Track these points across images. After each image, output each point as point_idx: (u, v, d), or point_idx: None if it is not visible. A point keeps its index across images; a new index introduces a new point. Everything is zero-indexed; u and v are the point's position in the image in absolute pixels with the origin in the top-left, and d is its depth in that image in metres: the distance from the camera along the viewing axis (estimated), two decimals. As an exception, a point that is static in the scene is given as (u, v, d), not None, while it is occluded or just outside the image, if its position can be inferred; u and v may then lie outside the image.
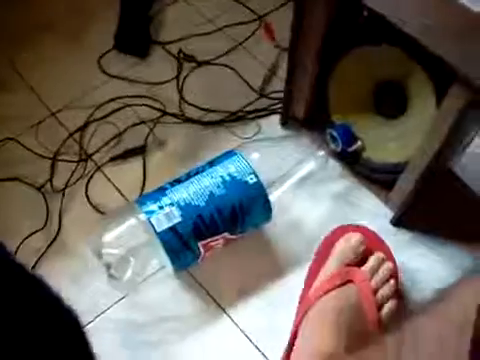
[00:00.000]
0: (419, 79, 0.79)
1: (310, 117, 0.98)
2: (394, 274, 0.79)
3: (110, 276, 0.77)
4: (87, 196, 0.94)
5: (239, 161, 0.81)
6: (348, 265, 0.77)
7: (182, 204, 0.76)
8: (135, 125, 1.02)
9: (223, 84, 1.08)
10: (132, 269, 0.78)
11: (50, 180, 0.96)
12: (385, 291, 0.76)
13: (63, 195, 0.94)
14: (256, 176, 0.80)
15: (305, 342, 0.72)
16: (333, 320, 0.71)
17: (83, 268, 0.86)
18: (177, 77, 1.09)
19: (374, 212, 0.92)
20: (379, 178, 0.92)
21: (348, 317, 0.72)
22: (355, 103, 0.90)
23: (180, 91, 1.07)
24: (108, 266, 0.77)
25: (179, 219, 0.76)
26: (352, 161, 0.94)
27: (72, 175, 0.96)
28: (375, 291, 0.75)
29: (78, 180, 0.96)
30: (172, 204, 0.77)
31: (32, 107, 1.05)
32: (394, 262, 0.81)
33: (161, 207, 0.76)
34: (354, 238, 0.79)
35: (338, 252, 0.79)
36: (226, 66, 1.10)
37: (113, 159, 0.98)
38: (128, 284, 0.79)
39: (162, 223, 0.75)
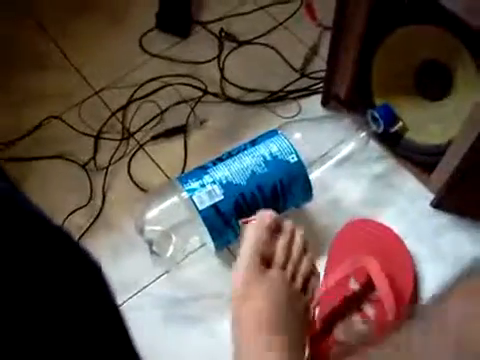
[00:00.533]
0: (464, 60, 0.77)
1: (352, 97, 0.97)
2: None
3: (152, 252, 0.79)
4: (130, 174, 0.96)
5: (281, 141, 0.81)
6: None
7: (224, 182, 0.77)
8: (176, 104, 1.03)
9: (264, 64, 1.08)
10: (173, 246, 0.79)
11: (93, 158, 0.98)
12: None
13: (106, 173, 0.96)
14: (297, 156, 0.80)
15: None
16: None
17: (126, 244, 0.88)
18: (218, 57, 1.09)
19: (414, 194, 0.92)
20: (420, 160, 0.91)
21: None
22: (398, 84, 0.89)
23: (221, 70, 1.07)
24: (150, 243, 0.78)
25: (221, 197, 0.76)
26: (393, 142, 0.93)
27: (115, 153, 0.98)
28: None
29: (121, 158, 0.98)
30: (214, 182, 0.78)
31: (75, 86, 1.07)
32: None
33: (203, 185, 0.77)
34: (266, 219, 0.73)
35: (254, 240, 0.72)
36: (267, 46, 1.10)
37: (155, 138, 0.99)
38: (170, 260, 0.81)
39: (204, 201, 0.76)
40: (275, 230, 0.71)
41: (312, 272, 0.74)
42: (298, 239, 0.74)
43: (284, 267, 0.71)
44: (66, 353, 0.34)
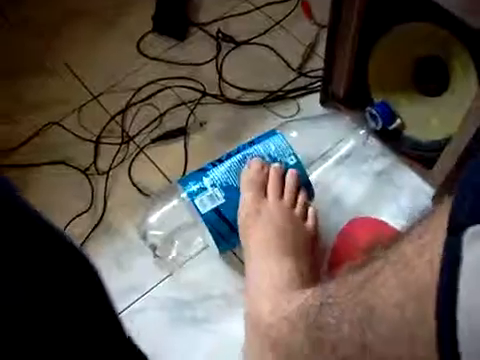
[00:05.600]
0: (461, 56, 0.77)
1: (350, 95, 0.97)
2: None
3: (156, 256, 0.79)
4: (130, 178, 0.96)
5: (279, 142, 0.81)
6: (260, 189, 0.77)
7: (225, 185, 0.77)
8: (175, 107, 1.04)
9: (262, 64, 1.08)
10: (177, 249, 0.80)
11: (94, 163, 0.98)
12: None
13: (107, 177, 0.96)
14: (296, 157, 0.80)
15: None
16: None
17: (128, 248, 0.89)
18: (216, 58, 1.09)
19: (415, 190, 0.92)
20: (420, 156, 0.91)
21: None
22: (395, 81, 0.89)
23: (219, 72, 1.07)
24: (153, 247, 0.79)
25: (223, 201, 0.77)
26: (393, 139, 0.93)
27: (115, 157, 0.99)
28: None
29: (121, 162, 0.98)
30: (214, 185, 0.78)
31: (74, 91, 1.07)
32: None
33: (204, 188, 0.78)
34: (253, 163, 0.78)
35: (245, 180, 0.77)
36: (265, 45, 1.10)
37: (155, 141, 1.00)
38: (173, 263, 0.81)
39: (206, 205, 0.76)
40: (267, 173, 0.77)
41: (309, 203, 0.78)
42: (290, 172, 0.78)
43: (281, 196, 0.76)
44: (65, 353, 0.34)
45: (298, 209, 0.76)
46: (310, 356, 0.49)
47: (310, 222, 0.76)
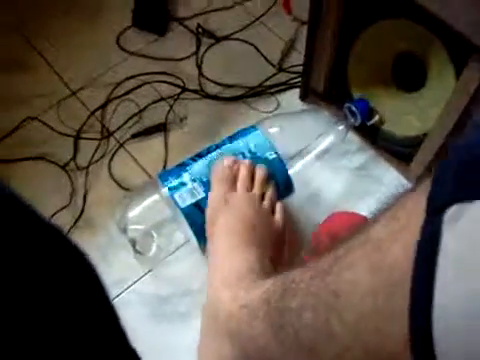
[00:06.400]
0: (438, 52, 0.78)
1: (329, 91, 0.98)
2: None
3: (136, 251, 0.79)
4: (110, 173, 0.96)
5: (259, 137, 0.82)
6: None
7: (204, 180, 0.78)
8: (155, 102, 1.03)
9: (242, 59, 1.08)
10: (157, 244, 0.80)
11: (74, 158, 0.98)
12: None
13: (87, 173, 0.96)
14: (276, 152, 0.81)
15: None
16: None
17: (109, 243, 0.88)
18: (196, 53, 1.09)
19: (394, 184, 0.92)
20: (399, 151, 0.92)
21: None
22: (374, 77, 0.90)
23: (199, 67, 1.07)
24: (133, 242, 0.79)
25: (203, 195, 0.77)
26: (371, 134, 0.94)
27: (95, 153, 0.98)
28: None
29: (101, 158, 0.98)
30: (194, 180, 0.78)
31: (52, 86, 1.06)
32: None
33: (184, 183, 0.78)
34: (225, 159, 0.79)
35: (217, 174, 0.78)
36: (245, 41, 1.10)
37: (135, 136, 0.99)
38: (153, 258, 0.81)
39: (186, 199, 0.77)
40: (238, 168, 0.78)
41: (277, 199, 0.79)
42: (259, 169, 0.79)
43: (250, 189, 0.76)
44: (62, 349, 0.34)
45: (266, 202, 0.77)
46: (271, 344, 0.48)
47: (278, 216, 0.77)
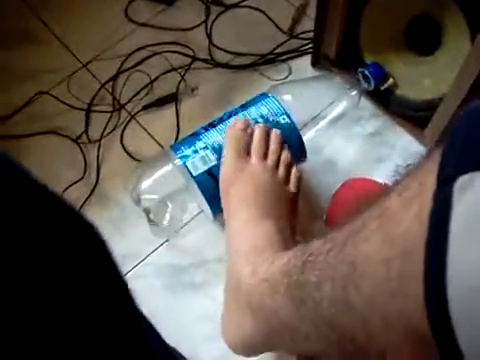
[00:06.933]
0: (453, 14, 0.77)
1: (341, 56, 0.96)
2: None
3: (150, 222, 0.79)
4: (123, 145, 0.96)
5: (271, 102, 0.81)
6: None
7: (216, 147, 0.77)
8: (166, 73, 1.02)
9: (252, 27, 1.07)
10: (170, 214, 0.80)
11: (86, 131, 0.97)
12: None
13: (99, 145, 0.96)
14: (288, 116, 0.80)
15: None
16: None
17: (124, 215, 0.89)
18: (205, 22, 1.08)
19: (408, 150, 0.92)
20: (413, 116, 0.91)
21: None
22: (387, 40, 0.89)
23: (209, 36, 1.06)
24: (147, 212, 0.79)
25: (214, 162, 0.76)
26: (385, 99, 0.93)
27: (107, 125, 0.98)
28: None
29: (113, 130, 0.97)
30: (207, 147, 0.77)
31: (62, 59, 1.06)
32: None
33: (196, 151, 0.77)
34: (238, 122, 0.77)
35: (229, 138, 0.76)
36: (254, 8, 1.09)
37: (146, 107, 0.99)
38: (168, 229, 0.81)
39: (198, 167, 0.76)
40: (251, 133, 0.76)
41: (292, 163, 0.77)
42: (274, 132, 0.77)
43: (265, 156, 0.75)
44: (72, 322, 0.34)
45: (281, 170, 0.75)
46: (292, 318, 0.49)
47: (292, 184, 0.76)
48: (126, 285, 0.42)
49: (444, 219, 0.29)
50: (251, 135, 0.76)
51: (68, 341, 0.33)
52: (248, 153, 0.75)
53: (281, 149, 0.77)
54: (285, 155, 0.77)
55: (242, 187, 0.72)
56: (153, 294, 0.83)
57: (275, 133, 0.77)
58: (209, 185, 0.77)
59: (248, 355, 0.67)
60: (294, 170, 0.77)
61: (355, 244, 0.37)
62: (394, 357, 0.38)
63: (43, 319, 0.31)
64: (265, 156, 0.75)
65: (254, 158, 0.74)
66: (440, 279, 0.28)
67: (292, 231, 0.71)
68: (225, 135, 0.77)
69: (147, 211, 0.78)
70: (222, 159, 0.75)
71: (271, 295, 0.53)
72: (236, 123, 0.76)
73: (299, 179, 0.77)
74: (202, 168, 0.76)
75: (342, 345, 0.42)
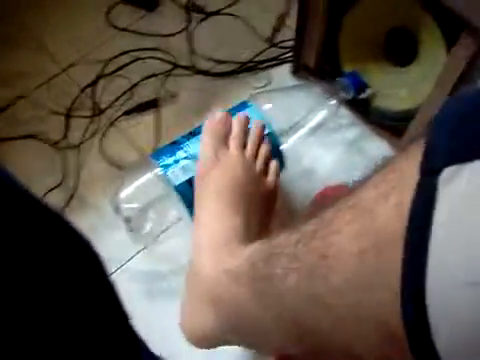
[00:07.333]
0: (429, 27, 0.78)
1: (321, 65, 0.97)
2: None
3: (130, 230, 0.79)
4: (102, 151, 0.95)
5: (252, 113, 0.82)
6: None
7: (198, 156, 0.77)
8: (146, 78, 1.02)
9: (233, 34, 1.08)
10: (151, 222, 0.80)
11: (65, 136, 0.97)
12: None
13: (79, 151, 0.95)
14: (269, 127, 0.81)
15: None
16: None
17: (103, 222, 0.89)
18: (186, 29, 1.08)
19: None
20: (391, 125, 0.92)
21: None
22: (366, 51, 0.90)
23: (190, 43, 1.06)
24: (128, 220, 0.79)
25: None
26: (364, 109, 0.94)
27: (86, 131, 0.98)
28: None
29: (93, 135, 0.97)
30: (188, 157, 0.78)
31: (42, 64, 1.05)
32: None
33: (177, 161, 0.78)
34: (217, 113, 0.76)
35: (208, 129, 0.75)
36: (235, 16, 1.09)
37: (126, 113, 0.99)
38: (148, 236, 0.82)
39: (179, 176, 0.77)
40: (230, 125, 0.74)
41: (271, 157, 0.75)
42: (255, 123, 0.76)
43: (243, 147, 0.73)
44: (61, 328, 0.34)
45: (259, 162, 0.73)
46: (254, 311, 0.47)
47: (270, 177, 0.74)
48: (112, 287, 0.42)
49: (427, 211, 0.28)
50: (230, 126, 0.74)
51: (56, 345, 0.33)
52: (226, 142, 0.73)
53: (261, 141, 0.75)
54: (264, 148, 0.75)
55: (216, 178, 0.69)
56: (132, 300, 0.82)
57: (256, 123, 0.76)
58: (190, 194, 0.77)
59: (207, 348, 0.66)
60: (273, 163, 0.75)
61: (325, 235, 0.36)
62: None
63: (29, 319, 0.32)
64: (244, 147, 0.73)
65: (232, 148, 0.72)
66: (419, 273, 0.27)
67: (265, 230, 0.69)
68: (204, 127, 0.75)
69: (128, 220, 0.78)
70: (200, 149, 0.73)
71: (233, 288, 0.52)
72: (215, 115, 0.75)
73: (277, 170, 0.75)
74: (183, 178, 0.77)
75: (304, 341, 0.41)
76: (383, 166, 0.35)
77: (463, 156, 0.28)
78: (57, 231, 0.36)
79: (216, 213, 0.67)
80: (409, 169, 0.31)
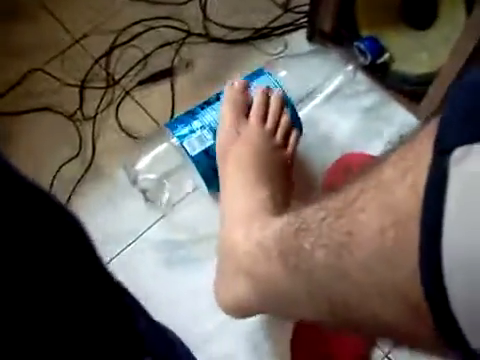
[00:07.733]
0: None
1: (337, 31, 0.96)
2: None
3: (147, 200, 0.79)
4: (118, 121, 0.95)
5: (267, 79, 0.81)
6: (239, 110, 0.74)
7: (213, 126, 0.77)
8: (160, 47, 1.01)
9: (247, 1, 1.06)
10: (168, 192, 0.80)
11: (80, 108, 0.97)
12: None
13: (94, 122, 0.95)
14: (285, 94, 0.80)
15: None
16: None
17: (120, 192, 0.89)
18: (199, -4, 1.06)
19: (404, 124, 0.91)
20: (409, 90, 0.90)
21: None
22: (383, 14, 0.88)
23: (203, 10, 1.05)
24: (144, 191, 0.79)
25: (211, 141, 0.76)
26: (381, 74, 0.92)
27: (101, 101, 0.97)
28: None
29: (108, 106, 0.97)
30: (203, 127, 0.77)
31: (55, 35, 1.04)
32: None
33: (193, 131, 0.77)
34: (237, 82, 0.76)
35: (228, 100, 0.75)
36: (249, -19, 1.07)
37: (141, 83, 0.98)
38: (165, 206, 0.82)
39: (195, 146, 0.76)
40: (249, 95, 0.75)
41: (292, 127, 0.76)
42: (275, 94, 0.76)
43: (264, 120, 0.74)
44: (53, 311, 0.34)
45: (280, 133, 0.74)
46: (284, 283, 0.48)
47: (290, 147, 0.75)
48: (105, 268, 0.42)
49: (440, 190, 0.29)
50: (248, 97, 0.74)
51: (48, 328, 0.33)
52: (246, 115, 0.73)
53: (281, 112, 0.75)
54: (284, 119, 0.75)
55: (239, 150, 0.71)
56: (150, 270, 0.84)
57: (276, 95, 0.76)
58: (206, 164, 0.77)
59: (242, 317, 0.67)
60: (293, 134, 0.76)
61: (351, 214, 0.37)
62: None
63: (21, 301, 0.32)
64: (264, 119, 0.74)
65: (252, 121, 0.73)
66: (435, 249, 0.28)
67: (287, 196, 0.70)
68: (223, 96, 0.75)
69: (144, 191, 0.78)
70: (220, 120, 0.74)
71: (264, 260, 0.52)
72: (235, 84, 0.75)
73: (297, 141, 0.76)
74: (199, 148, 0.76)
75: (336, 316, 0.42)
76: (402, 143, 0.36)
77: (474, 136, 0.29)
78: (44, 208, 0.36)
79: (242, 185, 0.68)
80: (424, 148, 0.32)
